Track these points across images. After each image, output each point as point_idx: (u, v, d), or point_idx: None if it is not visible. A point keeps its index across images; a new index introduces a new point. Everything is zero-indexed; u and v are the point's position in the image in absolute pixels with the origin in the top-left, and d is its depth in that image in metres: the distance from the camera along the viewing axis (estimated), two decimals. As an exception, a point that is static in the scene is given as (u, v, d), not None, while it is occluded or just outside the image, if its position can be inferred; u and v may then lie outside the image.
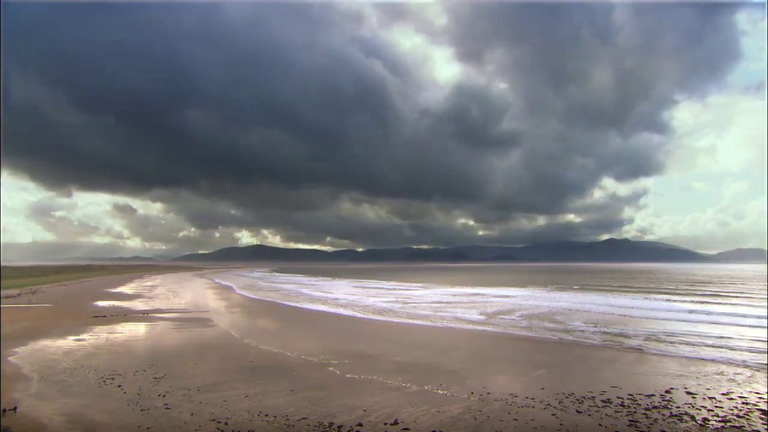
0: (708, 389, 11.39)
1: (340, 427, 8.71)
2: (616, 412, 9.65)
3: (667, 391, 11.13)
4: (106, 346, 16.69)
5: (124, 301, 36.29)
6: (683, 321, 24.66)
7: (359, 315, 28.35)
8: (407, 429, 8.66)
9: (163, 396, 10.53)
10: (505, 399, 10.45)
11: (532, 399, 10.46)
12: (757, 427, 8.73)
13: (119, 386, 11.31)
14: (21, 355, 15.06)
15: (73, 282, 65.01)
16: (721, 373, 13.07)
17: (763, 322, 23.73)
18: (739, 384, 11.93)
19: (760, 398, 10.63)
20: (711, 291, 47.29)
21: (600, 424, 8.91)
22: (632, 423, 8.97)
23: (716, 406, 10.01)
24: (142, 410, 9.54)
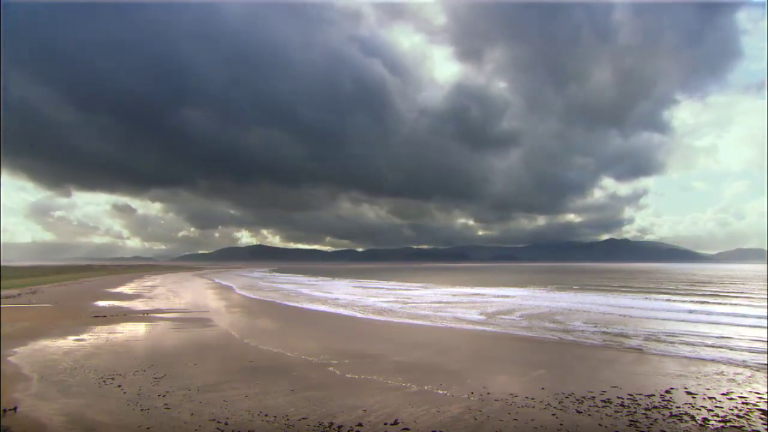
0: (708, 389, 11.39)
1: (340, 427, 8.71)
2: (616, 412, 9.65)
3: (667, 391, 11.13)
4: (106, 346, 16.69)
5: (124, 301, 36.29)
6: (683, 321, 24.66)
7: (359, 315, 28.35)
8: (407, 429, 8.66)
9: (163, 396, 10.53)
10: (505, 399, 10.45)
11: (532, 399, 10.46)
12: (757, 427, 8.73)
13: (119, 386, 11.31)
14: (21, 355, 15.06)
15: (73, 282, 65.01)
16: (721, 373, 13.07)
17: (763, 322, 23.73)
18: (739, 384, 11.93)
19: (760, 398, 10.63)
20: (711, 291, 47.29)
21: (600, 424, 8.91)
22: (632, 423, 8.97)
23: (716, 406, 10.01)
24: (142, 410, 9.54)
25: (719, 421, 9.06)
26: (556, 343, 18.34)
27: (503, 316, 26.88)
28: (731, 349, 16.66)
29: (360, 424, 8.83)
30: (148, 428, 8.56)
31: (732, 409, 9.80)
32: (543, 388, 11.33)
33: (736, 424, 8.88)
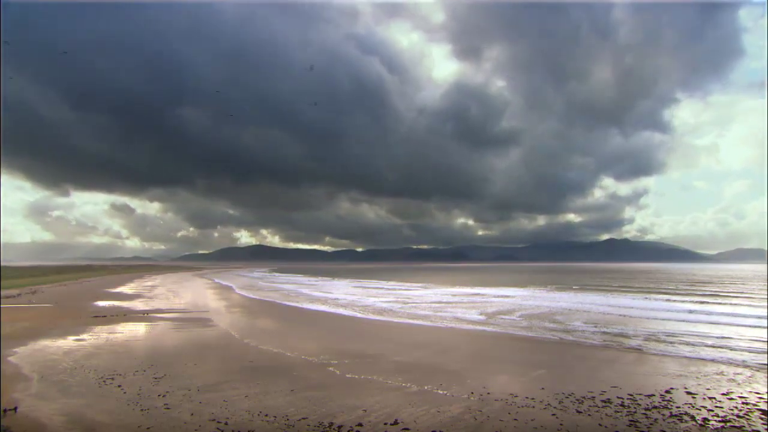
0: (708, 389, 11.40)
1: (340, 427, 8.71)
2: (616, 412, 9.65)
3: (667, 391, 11.14)
4: (106, 346, 16.69)
5: (124, 301, 36.29)
6: (683, 321, 24.67)
7: (359, 315, 28.35)
8: (407, 429, 8.67)
9: (163, 396, 10.53)
10: (505, 399, 10.46)
11: (532, 399, 10.46)
12: (757, 427, 8.73)
13: (119, 386, 11.32)
14: (21, 355, 15.06)
15: (73, 282, 65.01)
16: (721, 373, 13.07)
17: (763, 322, 23.74)
18: (739, 384, 11.93)
19: (760, 398, 10.64)
20: (711, 291, 47.30)
21: (600, 424, 8.91)
22: (632, 423, 8.98)
23: (716, 406, 10.02)
24: (142, 410, 9.54)
25: (719, 421, 9.06)
26: (556, 343, 18.35)
27: (503, 316, 26.88)
28: (731, 349, 16.66)
29: (360, 424, 8.84)
30: (148, 428, 8.56)
31: (732, 409, 9.80)
32: (543, 388, 11.33)
33: (736, 424, 8.88)
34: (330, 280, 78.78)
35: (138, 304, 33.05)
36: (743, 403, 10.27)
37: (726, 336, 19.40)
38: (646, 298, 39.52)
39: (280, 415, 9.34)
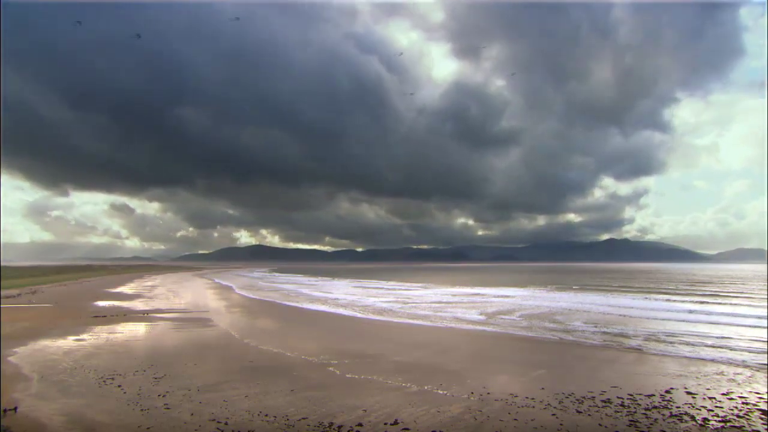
0: (708, 389, 11.40)
1: (340, 427, 8.71)
2: (616, 412, 9.65)
3: (667, 391, 11.14)
4: (106, 346, 16.69)
5: (124, 301, 36.30)
6: (683, 321, 24.67)
7: (359, 315, 28.36)
8: (407, 429, 8.67)
9: (163, 396, 10.53)
10: (505, 399, 10.46)
11: (532, 399, 10.46)
12: (757, 427, 8.73)
13: (119, 386, 11.32)
14: (21, 355, 15.06)
15: (73, 282, 65.02)
16: (721, 373, 13.08)
17: (763, 322, 23.74)
18: (739, 384, 11.93)
19: (760, 398, 10.64)
20: (711, 291, 47.31)
21: (600, 424, 8.91)
22: (632, 423, 8.98)
23: (716, 406, 10.02)
24: (142, 410, 9.55)
25: (719, 421, 9.07)
26: (556, 343, 18.35)
27: (503, 316, 26.89)
28: (731, 349, 16.66)
29: (360, 424, 8.84)
30: (148, 428, 8.56)
31: (732, 409, 9.80)
32: (543, 388, 11.33)
33: (736, 424, 8.89)
34: (330, 280, 78.79)
35: (138, 304, 33.05)
36: (743, 403, 10.27)
37: (726, 336, 19.41)
38: (646, 298, 39.52)
39: (280, 415, 9.34)
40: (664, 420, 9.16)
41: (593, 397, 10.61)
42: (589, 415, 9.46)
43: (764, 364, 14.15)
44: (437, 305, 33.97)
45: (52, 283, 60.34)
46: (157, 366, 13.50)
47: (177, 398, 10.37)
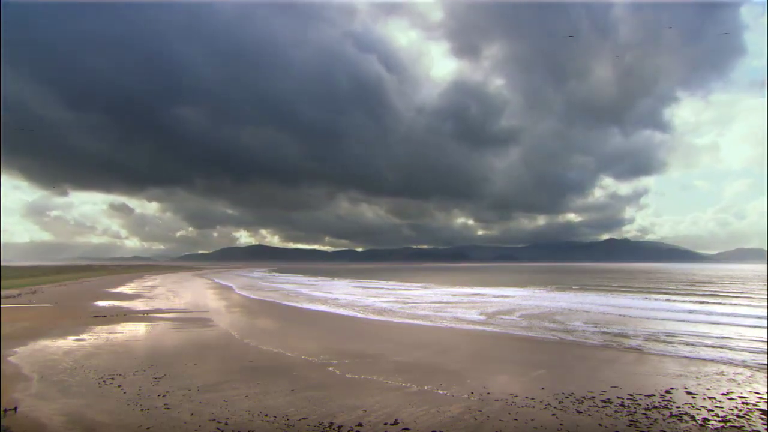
0: (708, 389, 11.40)
1: (340, 427, 8.71)
2: (616, 412, 9.65)
3: (667, 391, 11.14)
4: (106, 346, 16.69)
5: (124, 301, 36.29)
6: (683, 321, 24.67)
7: (359, 315, 28.35)
8: (407, 429, 8.67)
9: (163, 396, 10.53)
10: (505, 399, 10.46)
11: (532, 399, 10.46)
12: (757, 427, 8.73)
13: (119, 386, 11.32)
14: (21, 355, 15.06)
15: (73, 282, 65.01)
16: (721, 373, 13.08)
17: (763, 322, 23.74)
18: (739, 384, 11.93)
19: (760, 398, 10.64)
20: (711, 291, 47.31)
21: (600, 424, 8.91)
22: (632, 423, 8.98)
23: (716, 406, 10.02)
24: (142, 410, 9.55)
25: (719, 421, 9.07)
26: (556, 343, 18.35)
27: (503, 316, 26.89)
28: (731, 349, 16.67)
29: (360, 424, 8.84)
30: (148, 428, 8.56)
31: (732, 409, 9.81)
32: (543, 388, 11.33)
33: (736, 424, 8.89)
34: (330, 280, 78.77)
35: (138, 304, 33.05)
36: (743, 403, 10.27)
37: (726, 336, 19.40)
38: (646, 298, 39.52)
39: (280, 415, 9.34)
40: (664, 420, 9.16)
41: (593, 397, 10.61)
42: (589, 415, 9.46)
43: (764, 364, 14.15)
44: (437, 305, 33.97)
45: (52, 283, 60.34)
46: (157, 366, 13.50)
47: (177, 398, 10.37)
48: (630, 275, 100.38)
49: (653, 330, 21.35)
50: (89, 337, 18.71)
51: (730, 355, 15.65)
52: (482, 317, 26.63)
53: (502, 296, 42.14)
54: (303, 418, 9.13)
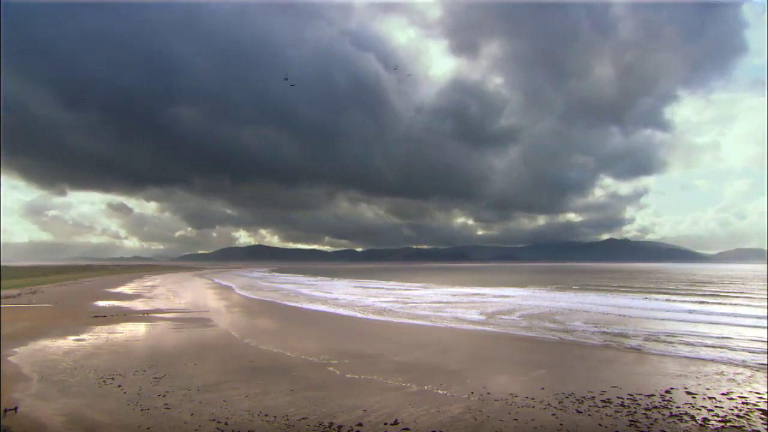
0: (708, 389, 11.40)
1: (340, 427, 8.72)
2: (616, 412, 9.65)
3: (667, 391, 11.14)
4: (106, 346, 16.69)
5: (124, 301, 36.30)
6: (683, 321, 24.67)
7: (359, 315, 28.36)
8: (407, 429, 8.67)
9: (163, 396, 10.54)
10: (505, 399, 10.46)
11: (532, 399, 10.47)
12: (757, 427, 8.73)
13: (119, 386, 11.32)
14: (21, 355, 15.06)
15: (73, 282, 65.02)
16: (721, 373, 13.08)
17: (763, 322, 23.75)
18: (739, 384, 11.93)
19: (760, 398, 10.64)
20: (711, 291, 47.32)
21: (600, 424, 8.91)
22: (632, 423, 8.98)
23: (716, 406, 10.02)
24: (142, 410, 9.55)
25: (719, 421, 9.07)
26: (556, 343, 18.35)
27: (503, 316, 26.89)
28: (731, 349, 16.67)
29: (360, 424, 8.84)
30: (148, 428, 8.57)
31: (732, 409, 9.81)
32: (543, 388, 11.34)
33: (736, 424, 8.89)
34: (330, 280, 78.79)
35: (138, 304, 33.05)
36: (743, 403, 10.28)
37: (726, 336, 19.41)
38: (646, 298, 39.53)
39: (280, 415, 9.34)
40: (664, 420, 9.16)
41: (593, 397, 10.62)
42: (589, 415, 9.46)
43: (764, 364, 14.16)
44: (437, 305, 33.98)
45: (52, 283, 60.35)
46: (157, 366, 13.50)
47: (177, 398, 10.38)
48: (630, 275, 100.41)
49: (653, 330, 21.35)
50: (89, 337, 18.71)
51: (730, 355, 15.65)
52: (482, 317, 26.63)
53: (502, 296, 42.14)
54: (303, 418, 9.14)
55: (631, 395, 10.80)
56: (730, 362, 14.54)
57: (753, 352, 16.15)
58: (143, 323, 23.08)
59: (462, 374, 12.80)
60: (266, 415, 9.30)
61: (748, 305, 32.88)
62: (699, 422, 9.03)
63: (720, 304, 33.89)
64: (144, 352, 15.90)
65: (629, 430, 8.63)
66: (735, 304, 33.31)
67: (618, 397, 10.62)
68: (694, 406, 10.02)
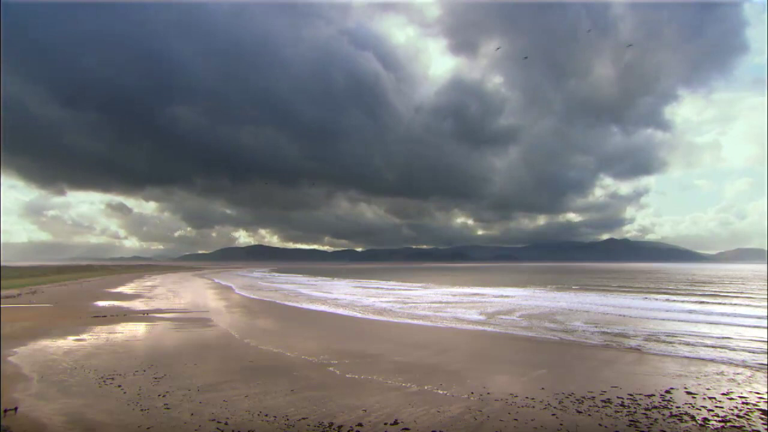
0: (708, 389, 11.40)
1: (340, 427, 8.72)
2: (616, 412, 9.65)
3: (667, 391, 11.14)
4: (106, 346, 16.69)
5: (124, 301, 36.30)
6: (683, 321, 24.68)
7: (359, 315, 28.36)
8: (407, 429, 8.67)
9: (163, 396, 10.54)
10: (505, 399, 10.46)
11: (532, 399, 10.47)
12: (757, 427, 8.73)
13: (119, 386, 11.32)
14: (21, 355, 15.06)
15: (73, 282, 65.03)
16: (721, 373, 13.08)
17: (763, 322, 23.75)
18: (739, 384, 11.94)
19: (760, 398, 10.64)
20: (711, 291, 47.33)
21: (600, 424, 8.91)
22: (632, 423, 8.98)
23: (716, 406, 10.02)
24: (142, 410, 9.55)
25: (719, 421, 9.07)
26: (557, 343, 18.35)
27: (503, 316, 26.89)
28: (731, 349, 16.67)
29: (360, 424, 8.84)
30: (148, 428, 8.56)
31: (732, 409, 9.81)
32: (543, 388, 11.34)
33: (736, 424, 8.89)
34: (329, 280, 78.80)
35: (138, 304, 33.05)
36: (743, 403, 10.28)
37: (726, 336, 19.41)
38: (646, 298, 39.53)
39: (280, 415, 9.34)
40: (664, 420, 9.16)
41: (593, 397, 10.62)
42: (589, 415, 9.46)
43: (764, 364, 14.16)
44: (437, 305, 33.98)
45: (52, 283, 60.35)
46: (157, 366, 13.50)
47: (177, 398, 10.38)
48: (630, 275, 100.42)
49: (653, 330, 21.36)
50: (89, 337, 18.71)
51: (730, 355, 15.65)
52: (482, 317, 26.63)
53: (502, 296, 42.15)
54: (303, 418, 9.14)
55: (631, 395, 10.80)
56: (730, 362, 14.55)
57: (753, 352, 16.16)
58: (143, 323, 23.08)
59: (462, 374, 12.80)
60: (266, 415, 9.30)
61: (748, 305, 32.88)
62: (699, 422, 9.03)
63: (720, 304, 33.89)
64: (144, 352, 15.90)
65: (629, 430, 8.63)
66: (735, 304, 33.31)
67: (618, 397, 10.62)
68: (694, 406, 10.03)
